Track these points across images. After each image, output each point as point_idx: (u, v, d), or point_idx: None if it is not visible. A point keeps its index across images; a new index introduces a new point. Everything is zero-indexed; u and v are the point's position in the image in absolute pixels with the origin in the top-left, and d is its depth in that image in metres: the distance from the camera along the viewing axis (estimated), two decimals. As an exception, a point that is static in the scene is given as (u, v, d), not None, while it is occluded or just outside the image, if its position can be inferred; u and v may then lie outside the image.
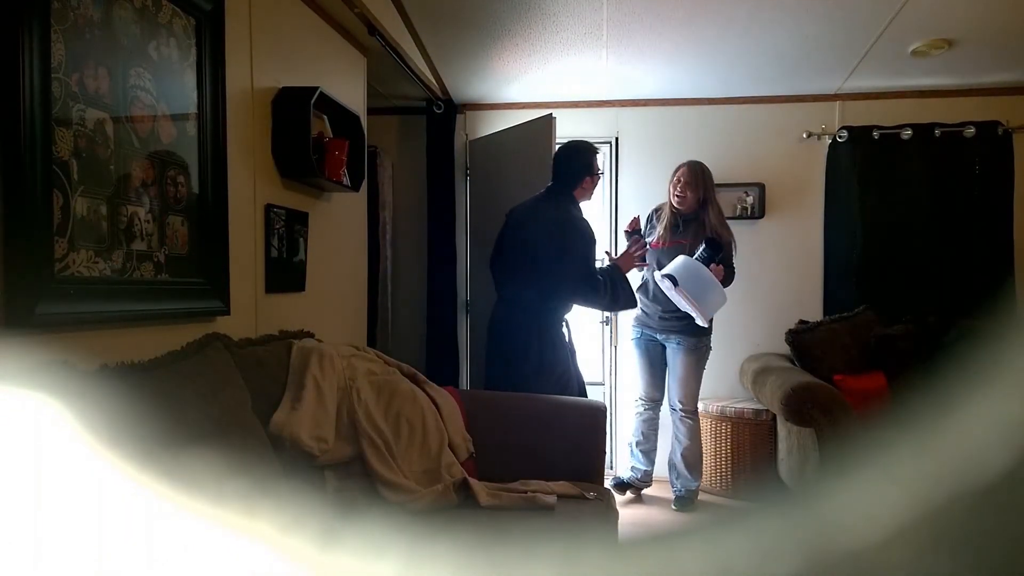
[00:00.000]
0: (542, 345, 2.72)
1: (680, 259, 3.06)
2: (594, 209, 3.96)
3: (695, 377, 3.30)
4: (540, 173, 3.38)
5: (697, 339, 3.25)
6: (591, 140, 3.85)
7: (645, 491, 3.53)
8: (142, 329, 1.57)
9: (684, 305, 3.08)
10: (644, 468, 3.46)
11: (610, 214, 3.87)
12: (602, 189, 3.94)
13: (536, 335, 2.72)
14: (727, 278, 3.19)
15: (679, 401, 3.31)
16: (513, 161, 3.63)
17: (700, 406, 3.64)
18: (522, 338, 2.73)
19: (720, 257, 3.11)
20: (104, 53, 1.42)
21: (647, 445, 3.47)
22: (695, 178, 3.23)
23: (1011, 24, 2.92)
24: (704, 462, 3.44)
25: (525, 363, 2.71)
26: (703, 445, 3.44)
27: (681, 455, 3.33)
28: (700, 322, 3.11)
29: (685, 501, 3.34)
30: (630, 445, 3.51)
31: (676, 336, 3.28)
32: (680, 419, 3.32)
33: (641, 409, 3.47)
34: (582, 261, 2.70)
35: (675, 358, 3.30)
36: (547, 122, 3.42)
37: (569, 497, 1.98)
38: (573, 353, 2.86)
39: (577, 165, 2.87)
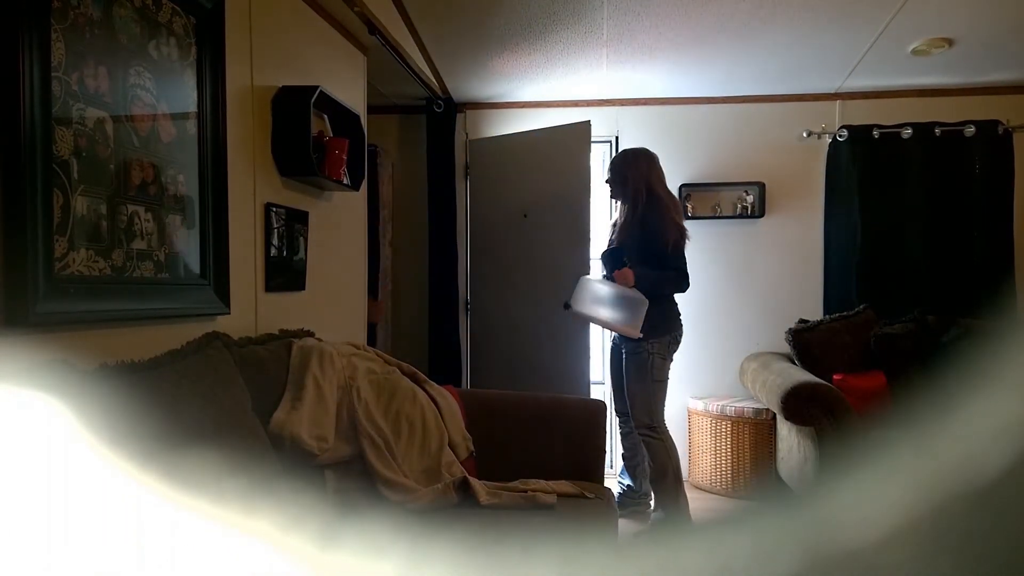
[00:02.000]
0: None
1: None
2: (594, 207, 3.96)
3: (639, 387, 2.88)
4: (573, 176, 3.46)
5: (635, 343, 2.85)
6: (591, 139, 3.86)
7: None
8: (142, 328, 1.57)
9: (611, 326, 2.87)
10: (627, 483, 3.20)
11: (610, 213, 3.86)
12: (602, 188, 3.95)
13: None
14: (665, 280, 2.85)
15: (632, 416, 2.94)
16: (536, 163, 3.67)
17: (700, 405, 3.64)
18: None
19: (624, 260, 2.81)
20: (104, 52, 1.42)
21: (631, 461, 3.16)
22: (612, 170, 3.01)
23: (1011, 23, 2.92)
24: (677, 491, 2.89)
25: None
26: (674, 462, 2.90)
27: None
28: (629, 334, 2.78)
29: (641, 535, 2.89)
30: None
31: (622, 342, 2.97)
32: (641, 438, 2.92)
33: (619, 422, 3.19)
34: None
35: (625, 366, 2.97)
36: (583, 128, 3.48)
37: (569, 496, 1.98)
38: None
39: None
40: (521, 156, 3.73)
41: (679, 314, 2.98)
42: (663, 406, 2.93)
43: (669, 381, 2.95)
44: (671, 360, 2.95)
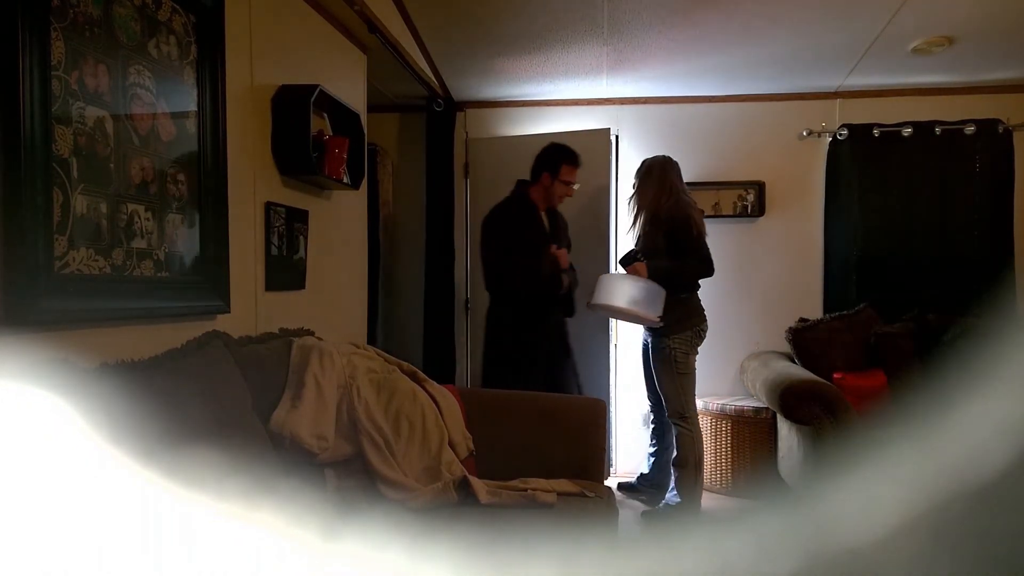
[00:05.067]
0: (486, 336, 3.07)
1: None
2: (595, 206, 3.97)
3: (667, 381, 3.06)
4: (592, 179, 3.61)
5: (657, 339, 3.06)
6: (590, 137, 3.86)
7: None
8: (142, 327, 1.57)
9: (630, 315, 3.01)
10: (642, 471, 3.43)
11: (611, 211, 3.86)
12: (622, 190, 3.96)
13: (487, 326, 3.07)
14: (682, 269, 3.00)
15: (666, 408, 3.12)
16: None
17: (700, 404, 3.64)
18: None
19: (636, 255, 3.00)
20: (104, 51, 1.42)
21: (652, 449, 3.39)
22: (635, 183, 3.23)
23: (1012, 22, 2.92)
24: (696, 480, 3.06)
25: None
26: (697, 453, 3.07)
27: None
28: (649, 321, 2.95)
29: (651, 516, 3.11)
30: None
31: (649, 338, 3.18)
32: (673, 426, 3.11)
33: (650, 417, 3.43)
34: (485, 255, 2.98)
35: (652, 363, 3.16)
36: (603, 134, 3.66)
37: (569, 495, 1.98)
38: (528, 345, 2.97)
39: (538, 162, 3.01)
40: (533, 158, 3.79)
41: (702, 309, 3.11)
42: (692, 396, 3.08)
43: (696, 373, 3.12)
44: (696, 353, 3.08)
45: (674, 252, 3.00)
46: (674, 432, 3.08)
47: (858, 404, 2.93)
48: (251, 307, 2.05)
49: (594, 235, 3.66)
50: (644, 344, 3.28)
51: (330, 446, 1.84)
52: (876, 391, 3.19)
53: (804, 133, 3.75)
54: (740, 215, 3.79)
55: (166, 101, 1.63)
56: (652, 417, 3.40)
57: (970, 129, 3.59)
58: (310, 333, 2.23)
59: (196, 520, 1.02)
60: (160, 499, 1.03)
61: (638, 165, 3.25)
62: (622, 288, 2.93)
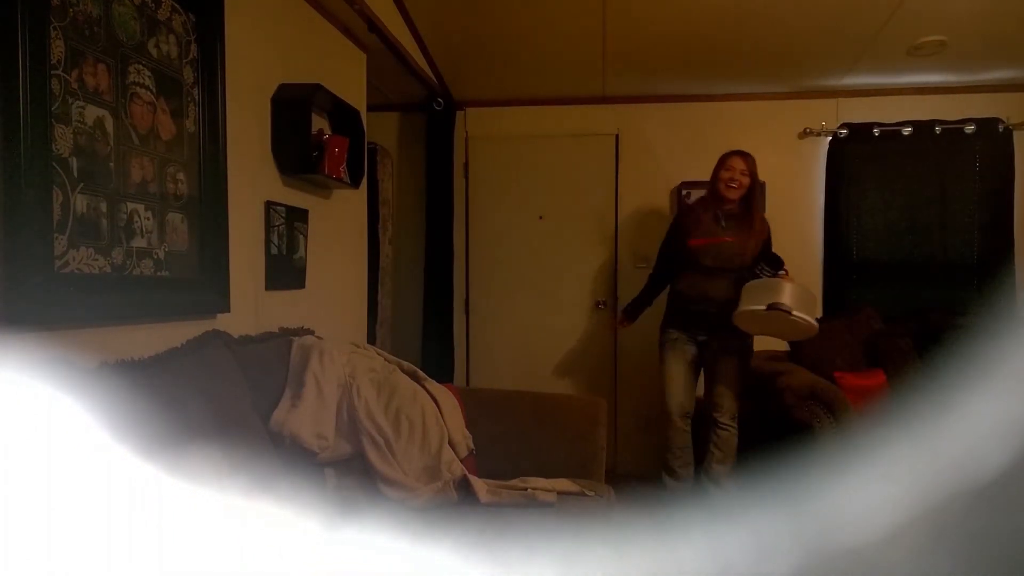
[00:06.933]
0: None
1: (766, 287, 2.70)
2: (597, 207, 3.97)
3: (741, 381, 2.93)
4: (598, 183, 3.80)
5: (737, 338, 2.85)
6: (590, 137, 3.86)
7: (644, 487, 3.42)
8: (142, 326, 1.57)
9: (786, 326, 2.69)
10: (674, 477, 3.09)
11: (614, 211, 3.86)
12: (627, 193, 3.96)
13: None
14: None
15: (725, 408, 2.93)
16: (554, 167, 3.86)
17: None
18: None
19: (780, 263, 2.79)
20: (103, 50, 1.42)
21: (686, 458, 3.06)
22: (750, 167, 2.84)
23: (1011, 21, 2.92)
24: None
25: None
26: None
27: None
28: (813, 329, 2.67)
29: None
30: None
31: (718, 336, 2.89)
32: (725, 428, 2.94)
33: (683, 420, 3.00)
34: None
35: (725, 362, 2.91)
36: (609, 140, 3.75)
37: (569, 494, 1.98)
38: None
39: None
40: (536, 159, 3.86)
41: None
42: None
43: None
44: None
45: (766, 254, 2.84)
46: (724, 434, 2.92)
47: (858, 403, 2.93)
48: (251, 306, 2.05)
49: (598, 237, 3.75)
50: (696, 344, 2.95)
51: (330, 445, 1.84)
52: (876, 390, 3.18)
53: (804, 132, 3.75)
54: (740, 214, 3.79)
55: (166, 100, 1.63)
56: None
57: (970, 128, 3.59)
58: (310, 332, 2.23)
59: (196, 520, 1.02)
60: (160, 499, 1.03)
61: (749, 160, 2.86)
62: (791, 295, 2.60)
